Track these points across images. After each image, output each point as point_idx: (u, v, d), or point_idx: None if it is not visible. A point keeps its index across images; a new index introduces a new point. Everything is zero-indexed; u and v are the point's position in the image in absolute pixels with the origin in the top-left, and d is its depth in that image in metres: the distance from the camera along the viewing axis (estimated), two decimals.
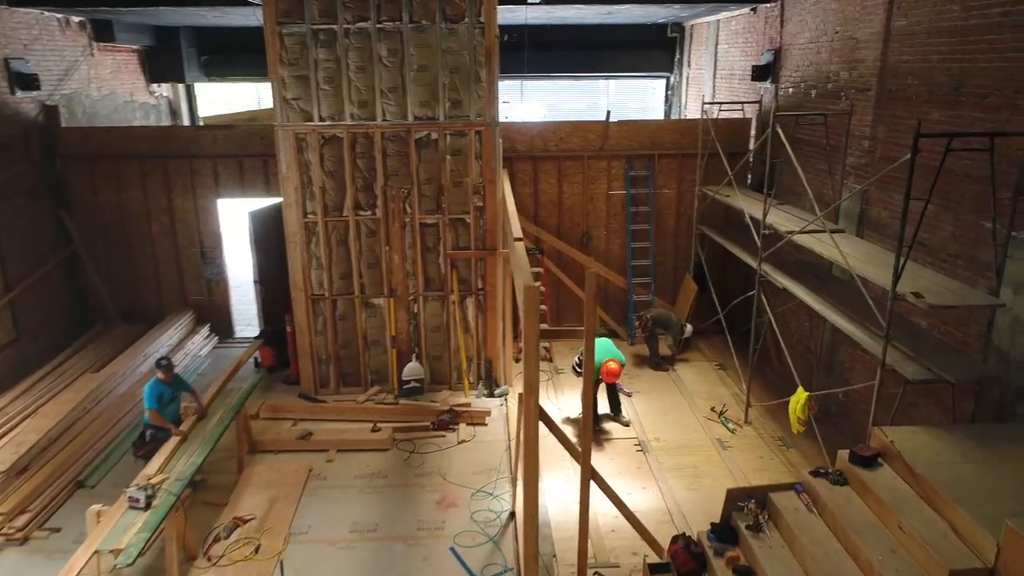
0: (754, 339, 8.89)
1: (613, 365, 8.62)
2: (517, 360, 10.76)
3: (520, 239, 6.64)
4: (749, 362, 8.96)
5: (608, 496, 5.96)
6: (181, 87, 14.88)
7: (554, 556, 6.60)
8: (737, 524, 5.65)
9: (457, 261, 9.47)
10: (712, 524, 5.79)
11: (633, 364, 10.74)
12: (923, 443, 5.41)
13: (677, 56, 15.08)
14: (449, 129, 8.94)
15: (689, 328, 10.76)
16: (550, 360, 10.92)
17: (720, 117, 11.03)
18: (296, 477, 7.84)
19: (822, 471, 5.65)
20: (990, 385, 5.97)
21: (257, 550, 6.67)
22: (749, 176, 11.27)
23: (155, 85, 13.98)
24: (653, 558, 5.97)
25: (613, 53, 14.94)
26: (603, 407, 9.01)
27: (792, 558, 5.18)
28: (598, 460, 8.20)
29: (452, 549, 6.66)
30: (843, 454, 5.69)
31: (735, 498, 5.73)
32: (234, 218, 12.00)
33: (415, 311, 9.61)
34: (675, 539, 5.81)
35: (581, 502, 5.81)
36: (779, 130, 7.99)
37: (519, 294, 5.88)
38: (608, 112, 11.40)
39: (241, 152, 10.94)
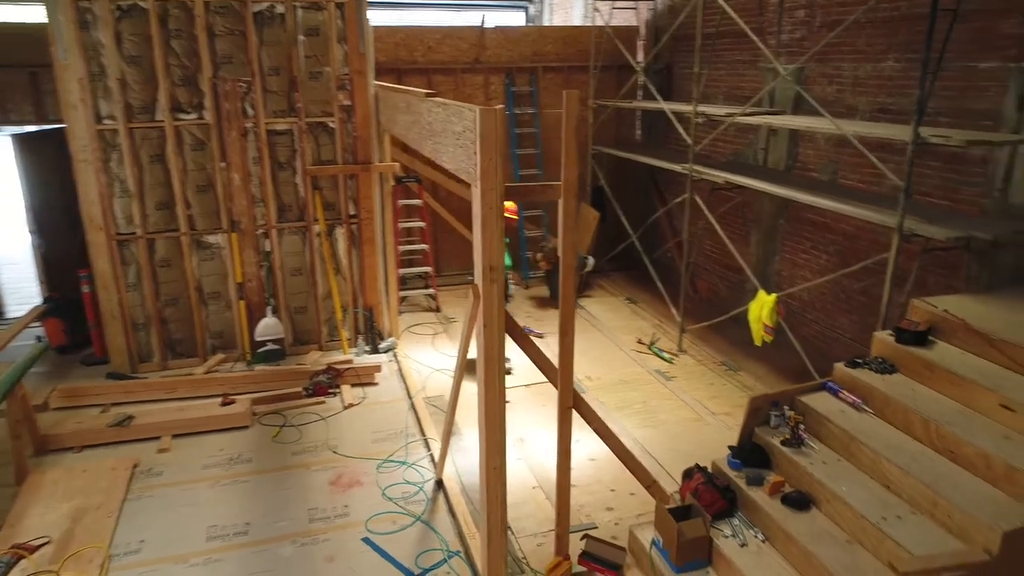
0: (687, 253, 7.67)
1: (510, 203, 7.40)
2: (402, 312, 8.82)
3: (433, 93, 4.77)
4: (681, 282, 7.72)
5: (598, 432, 4.31)
6: None
7: (508, 526, 4.86)
8: (767, 442, 4.24)
9: (320, 180, 7.33)
10: (730, 448, 4.34)
11: (535, 306, 9.25)
12: (980, 312, 4.29)
13: None
14: (300, 0, 6.80)
15: (591, 260, 9.41)
16: (436, 309, 9.09)
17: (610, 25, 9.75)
18: (113, 478, 5.42)
19: (859, 361, 4.39)
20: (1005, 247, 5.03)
21: None
22: (640, 92, 10.15)
23: None
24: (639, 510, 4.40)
25: None
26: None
27: (859, 472, 3.83)
28: (528, 406, 6.59)
29: (367, 540, 4.69)
30: (881, 336, 4.47)
31: (758, 407, 4.32)
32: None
33: (267, 249, 7.34)
34: (688, 473, 4.29)
35: (560, 440, 4.12)
36: None
37: (451, 137, 4.04)
38: (483, 17, 9.72)
39: None
